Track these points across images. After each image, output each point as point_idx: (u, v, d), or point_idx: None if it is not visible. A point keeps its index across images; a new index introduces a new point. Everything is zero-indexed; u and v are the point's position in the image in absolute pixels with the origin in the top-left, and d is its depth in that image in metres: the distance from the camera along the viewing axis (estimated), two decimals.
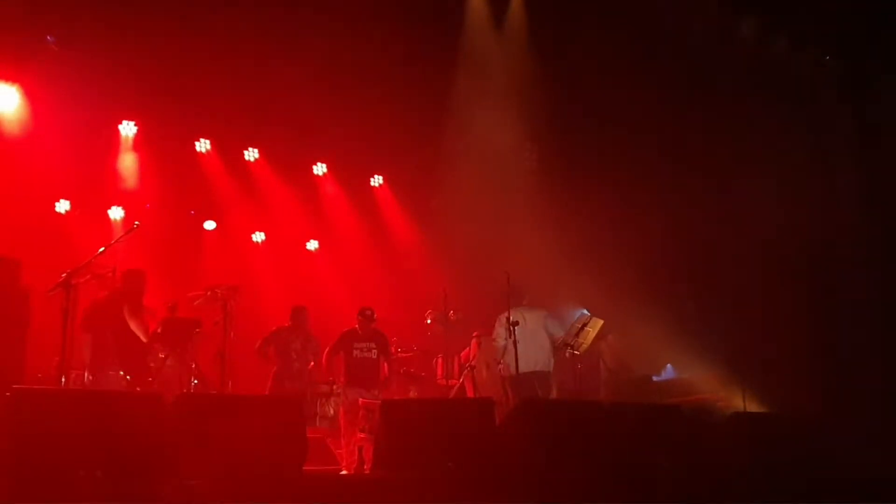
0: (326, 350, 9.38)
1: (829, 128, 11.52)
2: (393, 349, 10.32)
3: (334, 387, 9.07)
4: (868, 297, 10.61)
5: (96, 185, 10.90)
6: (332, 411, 9.22)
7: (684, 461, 6.66)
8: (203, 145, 11.66)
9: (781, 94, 11.34)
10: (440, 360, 10.07)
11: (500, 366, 9.05)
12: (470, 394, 9.55)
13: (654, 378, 11.07)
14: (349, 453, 8.49)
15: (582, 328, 9.20)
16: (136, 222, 7.87)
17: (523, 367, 8.64)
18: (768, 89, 11.28)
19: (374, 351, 9.32)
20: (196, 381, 8.94)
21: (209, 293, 9.01)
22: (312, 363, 9.69)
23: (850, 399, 9.48)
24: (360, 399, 8.69)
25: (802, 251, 10.74)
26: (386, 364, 9.47)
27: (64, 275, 7.09)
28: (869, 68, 11.25)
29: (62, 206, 10.79)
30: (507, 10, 11.27)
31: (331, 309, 10.64)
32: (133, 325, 8.26)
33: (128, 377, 8.16)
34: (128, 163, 10.98)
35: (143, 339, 8.36)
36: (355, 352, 9.36)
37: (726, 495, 6.44)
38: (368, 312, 9.49)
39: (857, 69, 11.46)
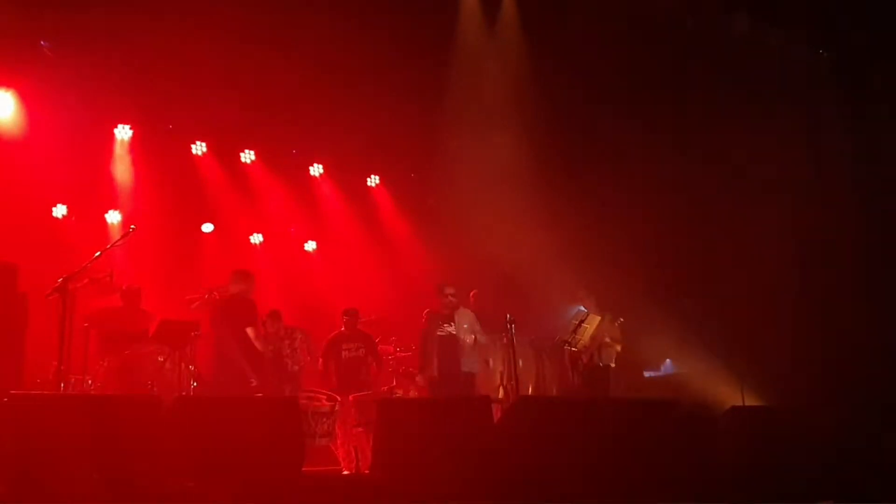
0: (320, 359, 9.42)
1: (826, 122, 11.52)
2: (392, 349, 10.32)
3: (336, 405, 8.99)
4: (867, 292, 10.62)
5: (93, 189, 10.90)
6: (328, 428, 9.02)
7: (683, 456, 6.67)
8: (199, 148, 11.64)
9: (777, 90, 11.33)
10: None
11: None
12: None
13: (650, 374, 11.11)
14: (346, 453, 8.51)
15: (579, 325, 9.23)
16: (133, 226, 7.88)
17: (465, 367, 8.83)
18: (763, 85, 11.27)
19: (361, 350, 9.34)
20: (195, 384, 8.93)
21: (207, 296, 9.02)
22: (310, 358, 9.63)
23: (849, 393, 9.48)
24: (350, 396, 8.71)
25: (800, 245, 10.75)
26: (375, 364, 9.50)
27: (61, 279, 7.10)
28: (864, 62, 11.25)
29: (59, 210, 10.78)
30: (501, 8, 11.26)
31: (330, 310, 10.63)
32: (259, 346, 8.46)
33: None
34: (124, 167, 10.98)
35: (261, 349, 8.53)
36: (344, 353, 9.39)
37: (725, 490, 6.45)
38: (353, 311, 9.53)
39: (852, 63, 11.45)
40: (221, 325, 8.47)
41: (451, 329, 8.92)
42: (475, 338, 8.99)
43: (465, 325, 8.98)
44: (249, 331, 8.30)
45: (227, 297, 8.69)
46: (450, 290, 9.06)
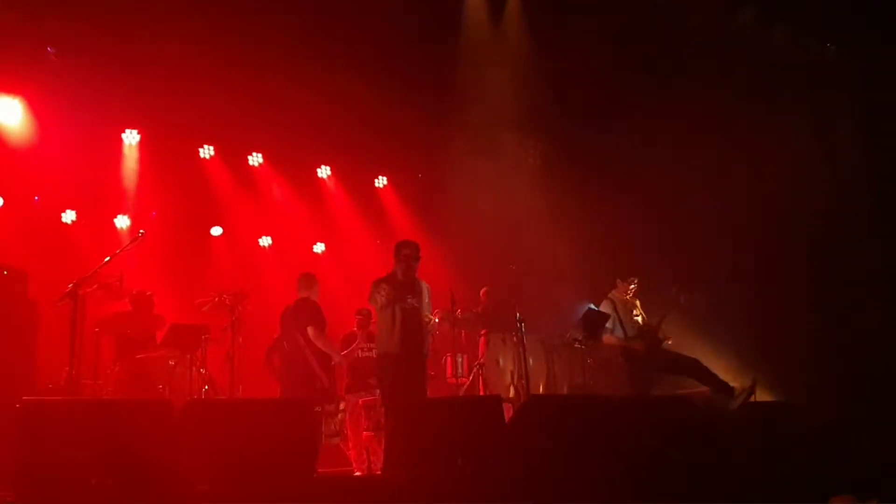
0: None
1: (833, 115, 11.46)
2: None
3: (341, 405, 9.02)
4: (878, 284, 10.56)
5: (101, 194, 10.94)
6: (337, 427, 9.05)
7: (696, 453, 6.64)
8: (207, 151, 11.67)
9: (783, 82, 11.29)
10: (449, 359, 10.07)
11: None
12: (479, 392, 9.56)
13: None
14: (358, 455, 8.53)
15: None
16: (142, 231, 7.90)
17: (425, 349, 7.99)
18: (770, 77, 11.23)
19: (374, 350, 9.33)
20: (207, 387, 8.97)
21: (217, 299, 9.05)
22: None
23: (865, 389, 9.44)
24: (360, 399, 8.71)
25: (811, 238, 10.70)
26: None
27: (71, 285, 7.12)
28: (871, 55, 11.18)
29: (68, 216, 10.82)
30: (506, 7, 11.25)
31: (339, 312, 10.64)
32: (320, 345, 8.37)
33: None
34: (132, 171, 11.01)
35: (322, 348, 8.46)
36: (356, 352, 9.39)
37: (740, 487, 6.42)
38: (365, 312, 9.53)
39: (859, 57, 11.39)
40: (292, 328, 8.49)
41: (415, 302, 7.65)
42: (437, 321, 8.04)
43: (427, 301, 7.82)
44: (310, 330, 8.34)
45: (296, 300, 8.70)
46: (417, 253, 7.73)
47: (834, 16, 11.02)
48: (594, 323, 8.88)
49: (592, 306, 9.40)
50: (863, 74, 11.34)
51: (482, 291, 10.59)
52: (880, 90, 11.01)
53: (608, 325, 8.61)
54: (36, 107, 10.12)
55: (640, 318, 8.77)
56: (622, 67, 10.77)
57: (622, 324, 8.56)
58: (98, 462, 5.18)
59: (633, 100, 10.86)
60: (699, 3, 10.81)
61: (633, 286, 8.88)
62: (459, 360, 9.93)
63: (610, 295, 8.80)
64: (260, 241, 12.44)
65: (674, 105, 10.67)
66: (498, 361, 9.77)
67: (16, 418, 5.29)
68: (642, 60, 10.79)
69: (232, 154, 11.87)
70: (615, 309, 8.64)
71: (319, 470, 6.20)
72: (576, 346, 9.26)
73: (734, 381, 9.33)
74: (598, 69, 10.73)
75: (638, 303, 8.89)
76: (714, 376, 8.22)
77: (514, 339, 9.24)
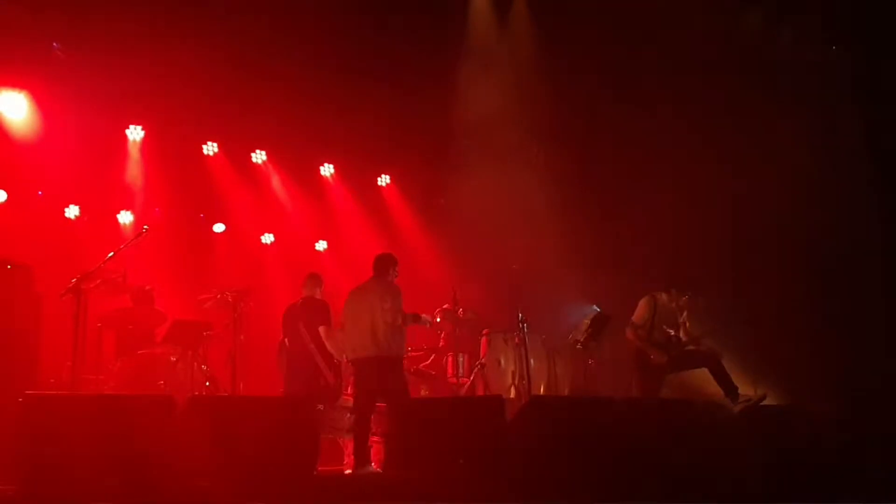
0: None
1: (838, 119, 11.44)
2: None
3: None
4: (884, 288, 10.54)
5: (105, 189, 10.94)
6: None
7: (697, 456, 6.64)
8: (210, 148, 11.67)
9: (788, 87, 11.27)
10: (450, 359, 10.08)
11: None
12: (480, 392, 9.57)
13: None
14: None
15: (591, 325, 9.19)
16: (145, 226, 7.91)
17: (350, 354, 7.85)
18: (774, 81, 11.21)
19: None
20: (208, 384, 8.96)
21: (219, 296, 9.05)
22: None
23: (866, 392, 9.42)
24: None
25: (816, 241, 10.68)
26: None
27: (74, 280, 7.13)
28: (874, 56, 11.17)
29: (72, 211, 10.83)
30: (511, 5, 11.26)
31: (339, 309, 10.64)
32: (329, 345, 8.33)
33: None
34: (135, 167, 11.02)
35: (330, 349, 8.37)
36: None
37: (741, 490, 6.42)
38: None
39: (864, 59, 11.37)
40: (298, 325, 8.49)
41: None
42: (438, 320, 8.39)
43: None
44: (322, 330, 8.34)
45: (302, 298, 8.70)
46: None
47: (838, 17, 11.02)
48: (600, 326, 8.89)
49: (596, 308, 9.41)
50: (866, 76, 11.32)
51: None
52: (884, 92, 11.00)
53: (638, 321, 8.41)
54: (41, 102, 10.11)
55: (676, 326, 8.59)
56: (627, 68, 10.76)
57: (653, 325, 8.36)
58: (99, 457, 5.20)
59: (636, 101, 10.86)
60: (705, 5, 10.79)
61: (684, 298, 8.60)
62: (460, 359, 9.93)
63: (655, 293, 8.53)
64: (262, 238, 12.44)
65: (677, 105, 10.68)
66: (499, 362, 9.78)
67: (18, 413, 5.31)
68: (647, 61, 10.77)
69: (235, 151, 11.87)
70: (654, 308, 8.40)
71: (319, 468, 6.20)
72: (577, 347, 9.26)
73: (746, 389, 9.31)
74: (605, 68, 10.73)
75: (685, 314, 8.66)
76: (726, 375, 8.17)
77: (516, 339, 9.23)
